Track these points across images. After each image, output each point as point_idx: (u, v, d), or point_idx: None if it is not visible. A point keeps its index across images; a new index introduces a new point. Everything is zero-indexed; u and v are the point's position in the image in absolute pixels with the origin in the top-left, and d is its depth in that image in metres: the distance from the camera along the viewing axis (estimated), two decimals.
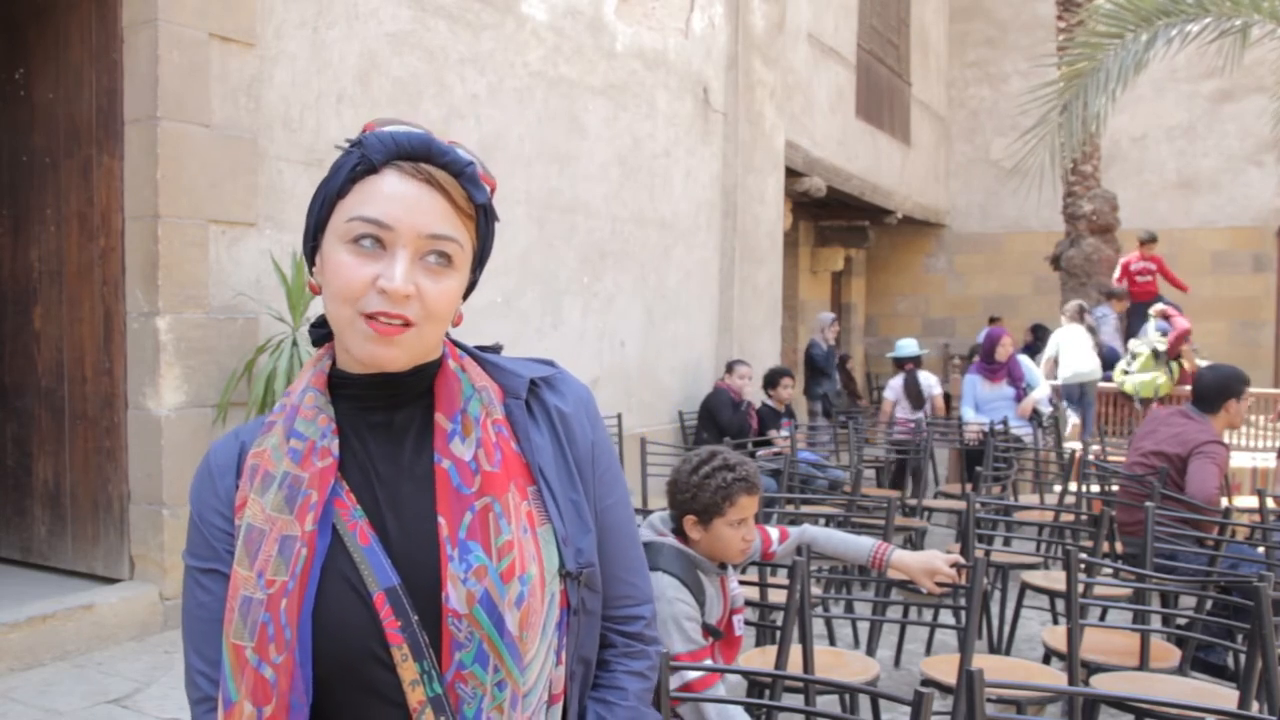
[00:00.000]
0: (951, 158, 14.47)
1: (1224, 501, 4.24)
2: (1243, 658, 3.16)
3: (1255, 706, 2.50)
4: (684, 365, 7.58)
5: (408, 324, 1.00)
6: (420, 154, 1.01)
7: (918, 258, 14.52)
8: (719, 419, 6.90)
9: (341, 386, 1.08)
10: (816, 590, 3.18)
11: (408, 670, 0.98)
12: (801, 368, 9.60)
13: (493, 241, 1.10)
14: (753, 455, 6.06)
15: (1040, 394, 7.60)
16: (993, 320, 11.68)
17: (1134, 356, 8.53)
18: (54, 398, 4.12)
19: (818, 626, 4.04)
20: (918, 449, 6.48)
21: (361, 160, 1.01)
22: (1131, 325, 10.05)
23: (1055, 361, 8.82)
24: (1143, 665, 3.07)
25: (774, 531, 2.66)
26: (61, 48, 4.02)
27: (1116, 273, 10.28)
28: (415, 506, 1.04)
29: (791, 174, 9.30)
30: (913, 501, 6.09)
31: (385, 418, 1.07)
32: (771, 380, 7.47)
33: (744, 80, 7.98)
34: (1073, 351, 8.79)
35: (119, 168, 3.87)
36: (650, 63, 6.93)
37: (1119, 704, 2.80)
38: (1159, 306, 8.58)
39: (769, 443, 6.87)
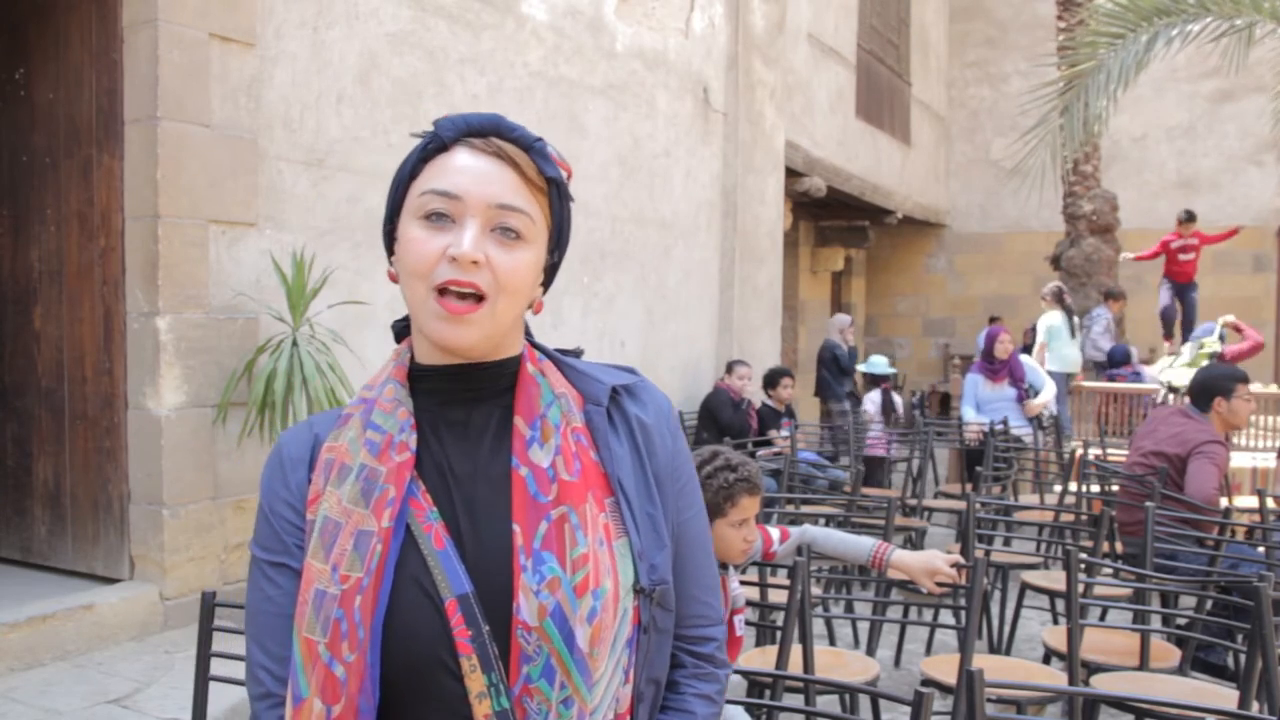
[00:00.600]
0: (951, 158, 14.47)
1: (1224, 501, 4.23)
2: (1243, 658, 3.16)
3: (1255, 706, 2.50)
4: (684, 365, 7.58)
5: (480, 297, 0.99)
6: (489, 130, 1.02)
7: (918, 258, 14.52)
8: (719, 419, 6.90)
9: (420, 380, 1.07)
10: (816, 590, 3.18)
11: (475, 681, 0.96)
12: (814, 369, 9.61)
13: (570, 222, 1.09)
14: (753, 455, 6.06)
15: (1047, 395, 7.58)
16: (993, 320, 11.69)
17: (1176, 355, 8.60)
18: (54, 398, 4.12)
19: (818, 626, 4.04)
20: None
21: (433, 139, 1.03)
22: (1165, 296, 10.00)
23: (1045, 348, 8.81)
24: (1143, 665, 3.07)
25: (775, 532, 2.66)
26: (61, 48, 4.02)
27: (1152, 248, 10.15)
28: (490, 511, 1.02)
29: (791, 174, 9.30)
30: (913, 501, 6.09)
31: (463, 414, 1.06)
32: (771, 380, 7.47)
33: (744, 80, 7.98)
34: (1062, 340, 8.80)
35: (119, 168, 3.86)
36: (650, 63, 6.93)
37: (1119, 704, 2.80)
38: (1230, 319, 8.57)
39: (769, 443, 6.87)
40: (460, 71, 5.25)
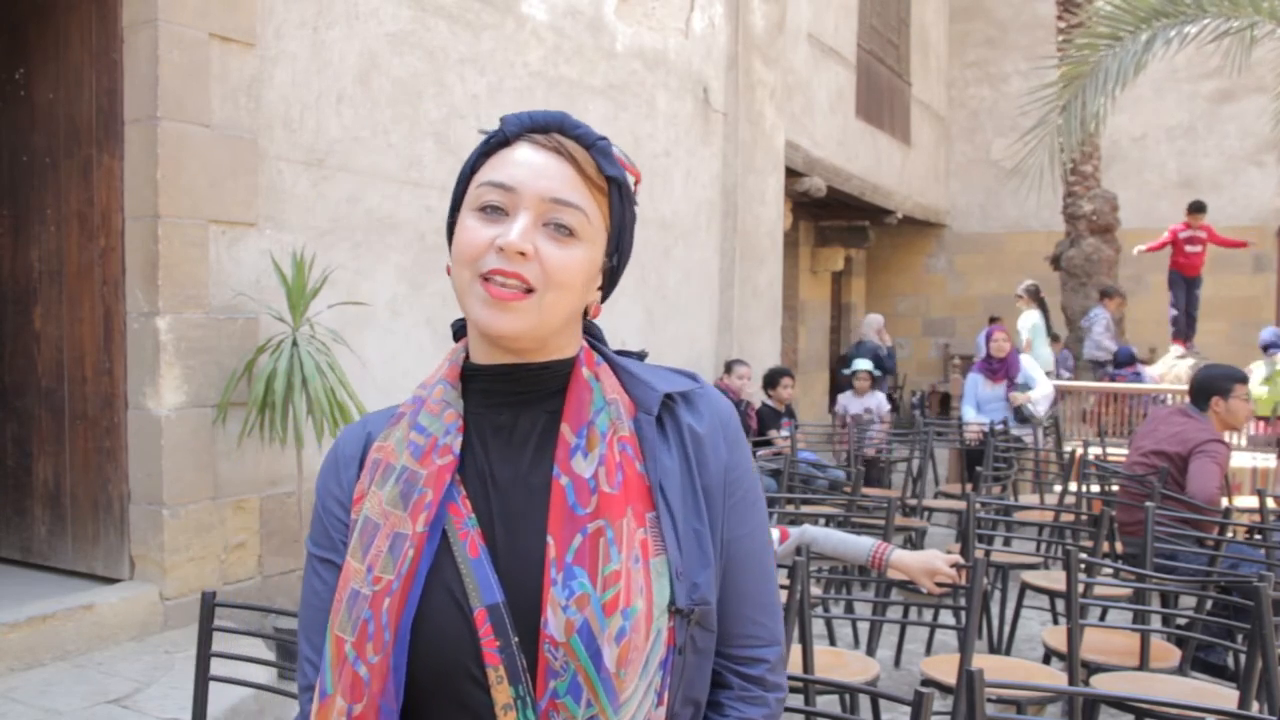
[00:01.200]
0: (951, 158, 14.47)
1: (1224, 501, 4.24)
2: (1243, 658, 3.16)
3: (1255, 706, 2.50)
4: (684, 365, 7.54)
5: (528, 289, 0.98)
6: (553, 126, 1.02)
7: (918, 258, 14.51)
8: None
9: (471, 380, 1.06)
10: (816, 590, 3.18)
11: (502, 693, 0.95)
12: (813, 370, 9.62)
13: (632, 226, 1.07)
14: (752, 455, 6.05)
15: (1037, 393, 7.54)
16: (993, 320, 11.70)
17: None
18: (54, 398, 4.12)
19: (818, 626, 4.04)
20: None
21: (496, 134, 1.03)
22: (1176, 297, 9.95)
23: (1031, 346, 8.81)
24: (1143, 665, 3.07)
25: (775, 532, 2.66)
26: (61, 48, 4.02)
27: (1162, 238, 10.06)
28: (526, 520, 1.00)
29: (791, 174, 9.30)
30: (913, 501, 6.09)
31: (509, 419, 1.04)
32: (771, 380, 7.47)
33: (744, 80, 7.98)
34: (1041, 338, 8.81)
35: (119, 168, 3.87)
36: (650, 63, 6.93)
37: (1119, 704, 2.80)
38: None
39: (769, 443, 6.87)
40: (460, 71, 5.25)
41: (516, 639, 0.95)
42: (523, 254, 0.97)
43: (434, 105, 5.06)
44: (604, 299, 1.10)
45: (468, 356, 1.07)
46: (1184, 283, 9.89)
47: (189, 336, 3.90)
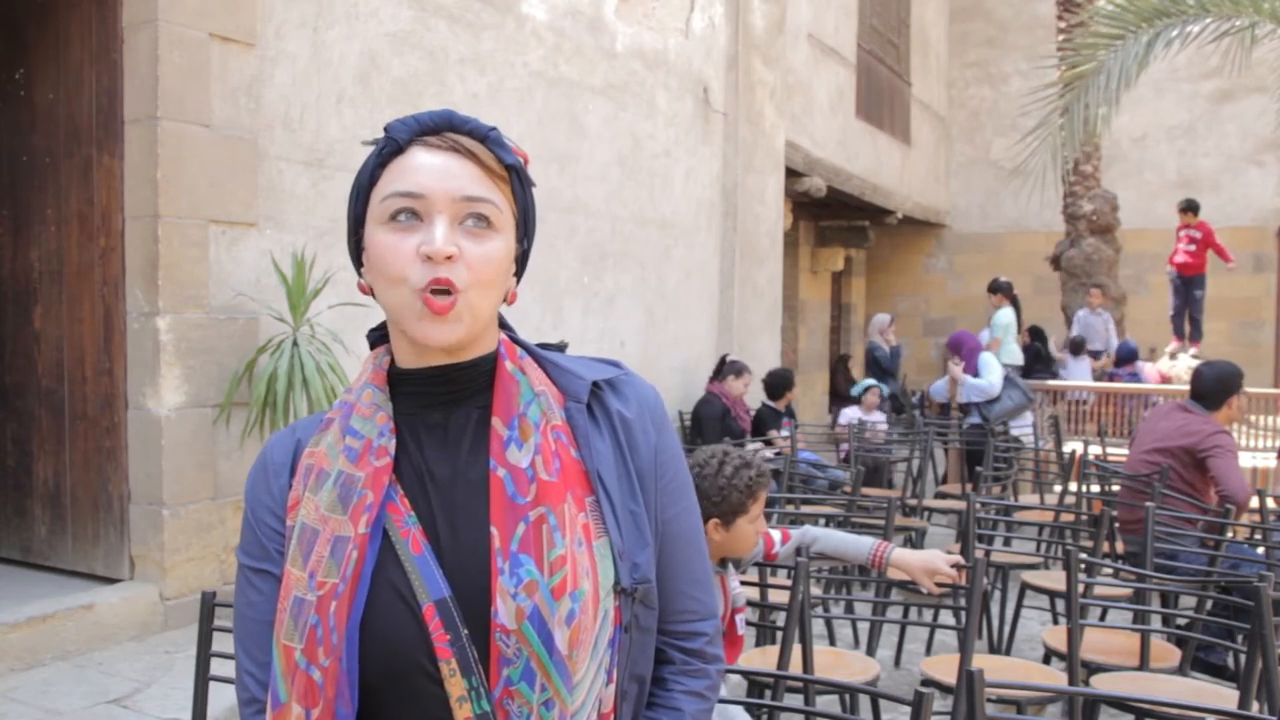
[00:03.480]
0: (951, 158, 14.46)
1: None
2: (1243, 658, 3.16)
3: (1255, 706, 2.51)
4: (684, 365, 7.58)
5: (458, 292, 0.99)
6: (443, 126, 1.02)
7: (918, 258, 14.51)
8: (704, 431, 6.72)
9: (399, 383, 1.06)
10: (817, 590, 3.18)
11: (455, 685, 0.96)
12: (813, 370, 9.61)
13: (534, 207, 1.09)
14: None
15: (975, 380, 7.36)
16: None
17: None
18: (54, 398, 4.12)
19: (818, 626, 4.05)
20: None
21: (387, 143, 1.02)
22: (1176, 302, 9.91)
23: (1000, 344, 8.80)
24: (1143, 665, 3.07)
25: (776, 534, 2.66)
26: (61, 48, 4.02)
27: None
28: (468, 514, 1.01)
29: (791, 174, 9.30)
30: (913, 501, 6.09)
31: (442, 417, 1.05)
32: (775, 393, 7.44)
33: (744, 80, 7.98)
34: (1010, 335, 8.80)
35: (119, 168, 3.86)
36: (650, 63, 6.93)
37: (1119, 704, 2.80)
38: None
39: (768, 443, 6.86)
40: (460, 71, 5.25)
41: (466, 631, 0.97)
42: (450, 257, 0.98)
43: (434, 105, 5.05)
44: (517, 283, 1.11)
45: (392, 362, 1.08)
46: (1180, 282, 9.89)
47: (189, 336, 3.90)
